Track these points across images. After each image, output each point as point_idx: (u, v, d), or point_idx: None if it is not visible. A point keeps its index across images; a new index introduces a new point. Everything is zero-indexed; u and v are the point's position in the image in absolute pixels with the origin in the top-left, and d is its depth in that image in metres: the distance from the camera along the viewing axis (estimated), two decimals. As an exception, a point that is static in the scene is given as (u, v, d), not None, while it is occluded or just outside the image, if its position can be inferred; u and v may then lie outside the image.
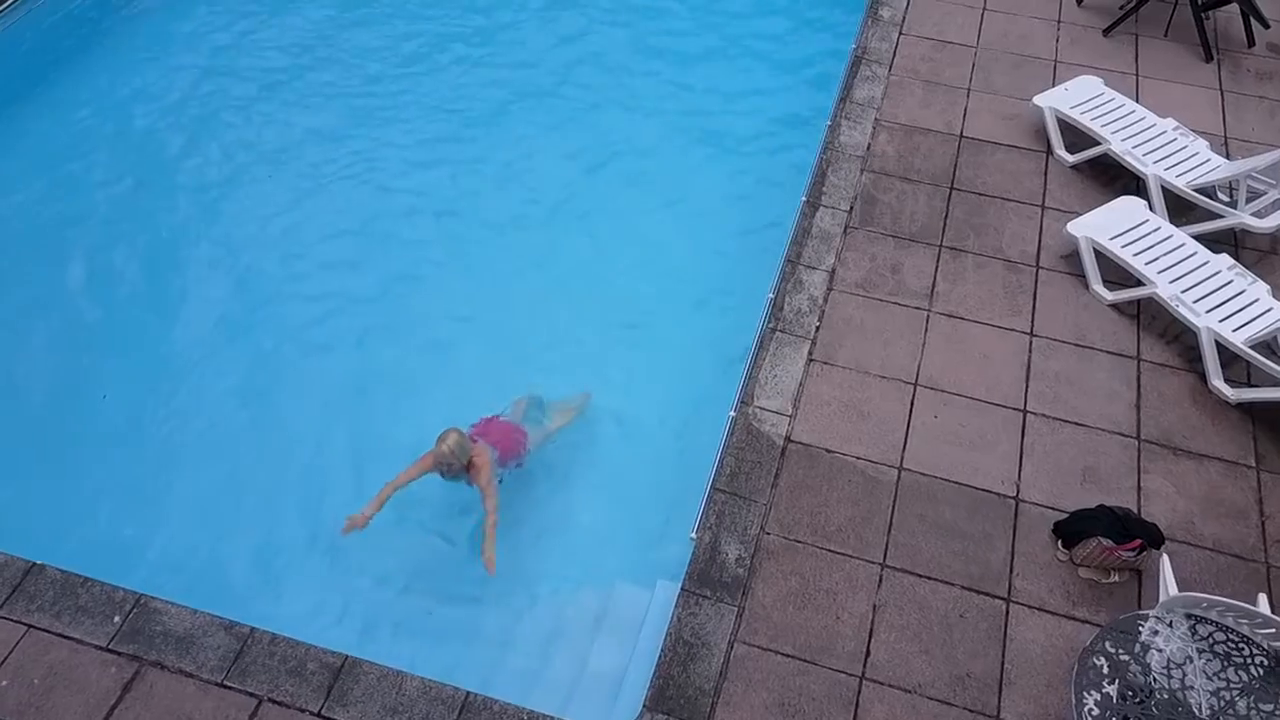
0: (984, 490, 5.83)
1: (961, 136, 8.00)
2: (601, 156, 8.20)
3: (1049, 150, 7.87)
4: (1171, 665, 4.31)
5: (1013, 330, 6.67)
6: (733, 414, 6.09)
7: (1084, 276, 6.92)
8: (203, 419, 6.39)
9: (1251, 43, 8.84)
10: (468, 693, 4.97)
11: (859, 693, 5.02)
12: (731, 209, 7.78)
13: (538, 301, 7.15)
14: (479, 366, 6.66)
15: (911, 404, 6.23)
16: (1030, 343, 6.60)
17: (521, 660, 5.37)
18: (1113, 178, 7.62)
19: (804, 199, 7.44)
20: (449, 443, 5.31)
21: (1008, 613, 5.33)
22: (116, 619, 5.13)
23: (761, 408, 6.16)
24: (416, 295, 7.16)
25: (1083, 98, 7.77)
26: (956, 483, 5.86)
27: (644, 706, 4.95)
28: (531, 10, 9.58)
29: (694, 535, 5.51)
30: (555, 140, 8.33)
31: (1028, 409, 6.25)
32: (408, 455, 5.54)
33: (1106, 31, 8.94)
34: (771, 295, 6.76)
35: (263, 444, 6.27)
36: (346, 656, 5.08)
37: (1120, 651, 4.33)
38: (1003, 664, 5.14)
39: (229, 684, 4.94)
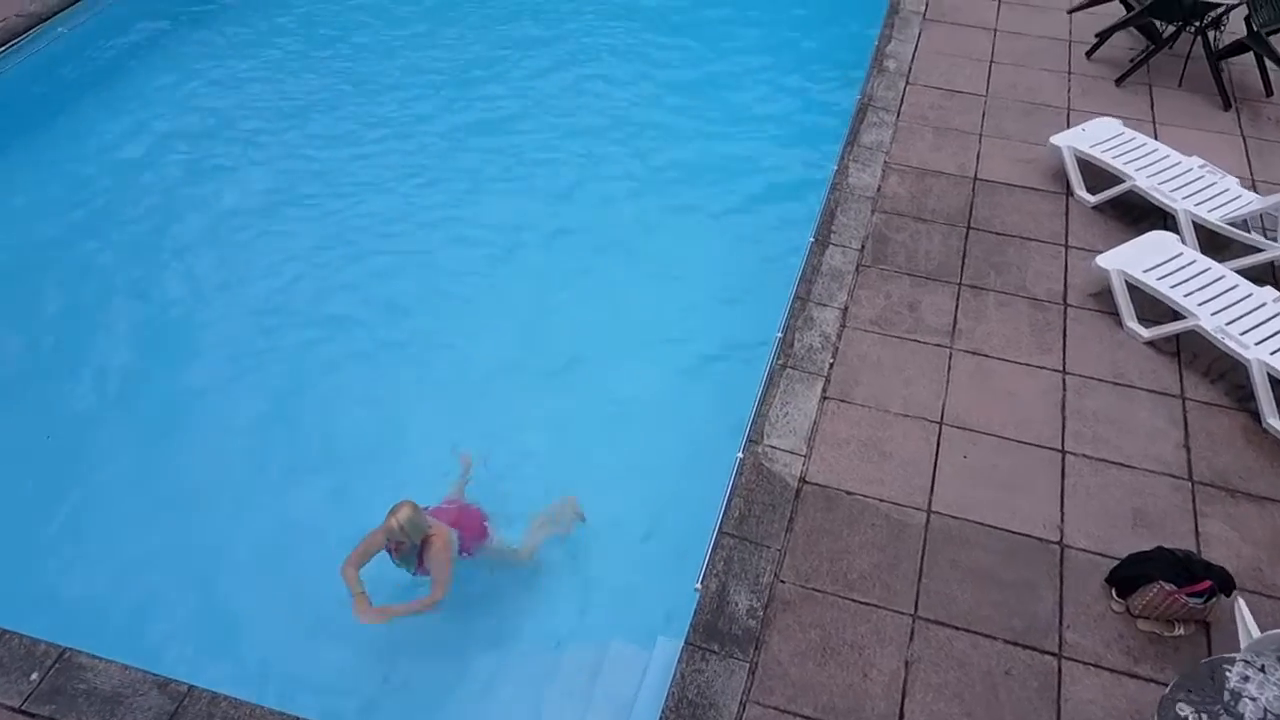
0: (1023, 534, 5.21)
1: (976, 179, 7.64)
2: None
3: (1068, 191, 7.49)
4: (1270, 716, 3.62)
5: (1043, 368, 6.14)
6: (740, 455, 5.50)
7: (1116, 314, 6.44)
8: (138, 455, 5.79)
9: (1270, 92, 8.57)
10: (436, 759, 4.25)
11: (892, 764, 4.29)
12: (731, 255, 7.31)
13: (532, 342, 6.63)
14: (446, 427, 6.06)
15: (938, 443, 5.65)
16: (1063, 380, 6.07)
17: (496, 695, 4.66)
18: (1137, 218, 7.22)
19: (812, 239, 7.02)
20: (400, 516, 4.56)
21: (1060, 670, 4.64)
22: (34, 676, 4.45)
23: (773, 446, 5.58)
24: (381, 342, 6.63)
25: (1102, 137, 7.43)
26: (992, 526, 5.24)
27: (647, 758, 4.23)
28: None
29: (699, 586, 4.87)
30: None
31: (1066, 449, 5.66)
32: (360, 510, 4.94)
33: (1119, 81, 8.69)
34: (780, 334, 6.25)
35: (205, 484, 5.65)
36: None
37: (1207, 700, 3.65)
38: (1058, 728, 4.43)
39: (157, 751, 4.23)
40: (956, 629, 4.79)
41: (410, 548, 4.67)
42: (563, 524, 5.44)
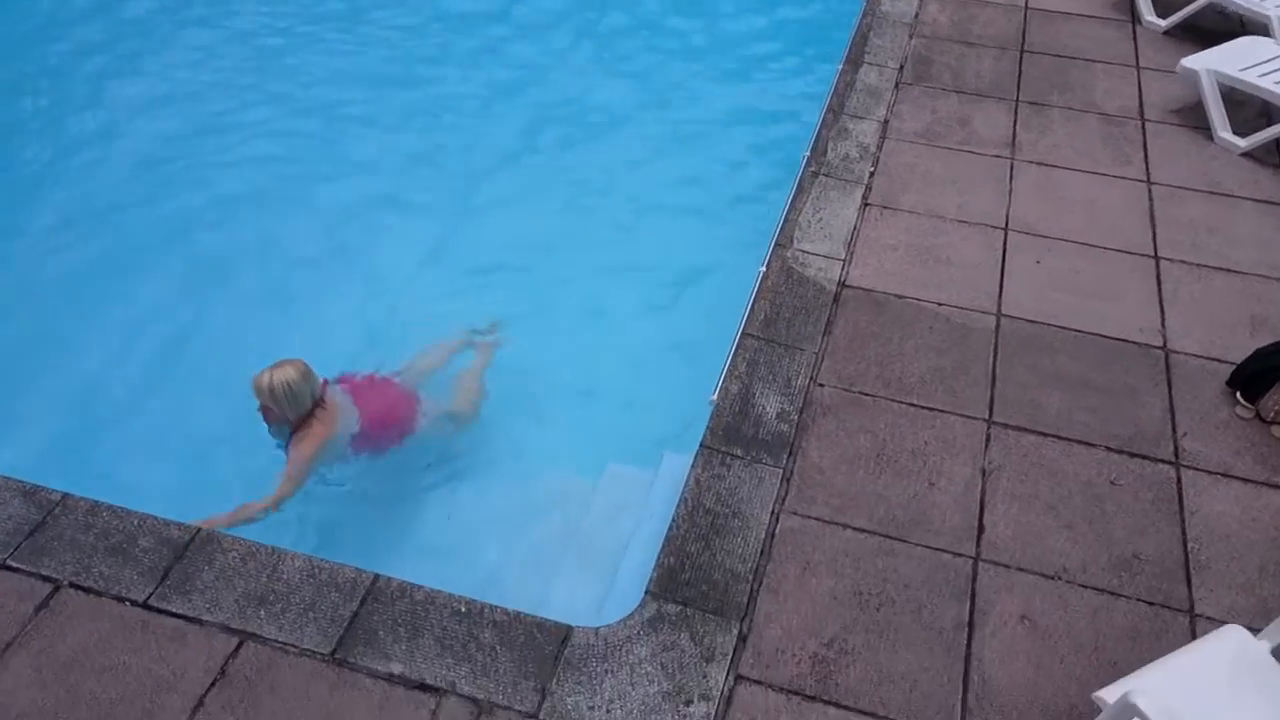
0: (1118, 339, 4.20)
1: (1027, 8, 6.66)
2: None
3: (1135, 19, 6.50)
4: None
5: (1124, 178, 5.15)
6: (765, 262, 4.50)
7: (1204, 127, 5.44)
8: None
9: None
10: (375, 576, 3.24)
11: (974, 579, 3.28)
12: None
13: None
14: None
15: (1004, 249, 4.66)
16: (1149, 190, 5.06)
17: (463, 544, 3.67)
18: (1216, 40, 6.19)
19: (841, 65, 6.02)
20: (278, 376, 3.58)
21: (1179, 480, 3.62)
22: None
23: (804, 251, 4.58)
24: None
25: (1174, -47, 6.43)
26: (1078, 331, 4.23)
27: (646, 593, 3.21)
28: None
29: (714, 398, 3.86)
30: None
31: (1160, 255, 4.66)
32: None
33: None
34: (807, 153, 5.25)
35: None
36: (199, 530, 3.37)
37: None
38: (1185, 543, 3.41)
39: (13, 564, 3.23)
40: (1044, 435, 3.78)
41: (284, 419, 3.66)
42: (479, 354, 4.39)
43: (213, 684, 2.95)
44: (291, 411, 3.64)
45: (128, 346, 4.43)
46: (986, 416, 3.85)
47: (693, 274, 4.94)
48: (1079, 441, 3.76)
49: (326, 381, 3.79)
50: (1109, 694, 2.46)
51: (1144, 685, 2.29)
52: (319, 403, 3.70)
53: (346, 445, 3.84)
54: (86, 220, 5.10)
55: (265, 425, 3.77)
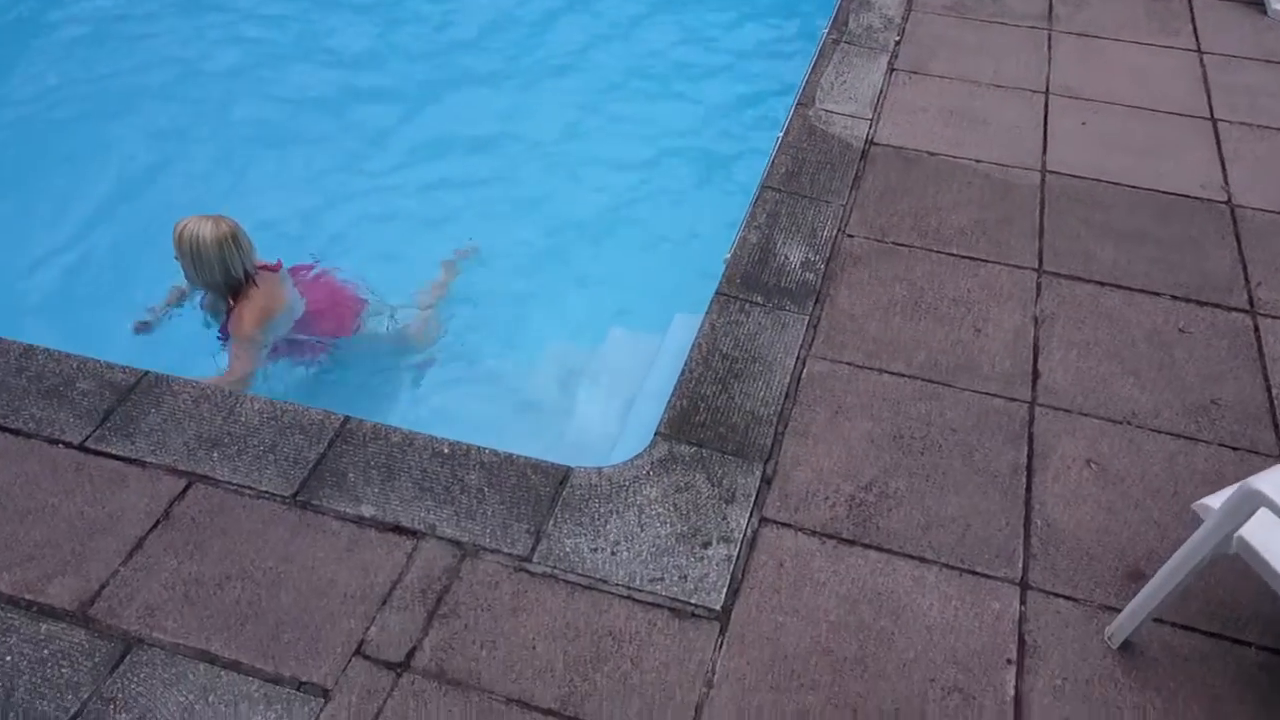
0: (1177, 194, 3.79)
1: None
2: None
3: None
4: None
5: (1172, 48, 4.73)
6: (786, 123, 4.09)
7: (1258, 1, 5.02)
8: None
9: None
10: (345, 418, 2.83)
11: (1032, 422, 2.86)
12: None
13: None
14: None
15: (1045, 111, 4.24)
16: (1200, 59, 4.65)
17: (447, 397, 3.24)
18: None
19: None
20: (196, 230, 3.08)
21: (1257, 328, 3.21)
22: None
23: (828, 110, 4.17)
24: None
25: None
26: (1132, 186, 3.82)
27: (656, 435, 2.80)
28: None
29: (728, 256, 3.44)
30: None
31: (1217, 118, 4.25)
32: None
33: None
34: (826, 24, 4.83)
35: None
36: (146, 373, 2.96)
37: None
38: (1268, 388, 3.00)
39: (-68, 406, 2.82)
40: (1101, 285, 3.36)
41: (220, 282, 3.18)
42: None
43: (154, 526, 2.54)
44: (199, 275, 3.15)
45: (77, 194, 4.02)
46: (1036, 266, 3.43)
47: (704, 145, 4.52)
48: (1141, 290, 3.35)
49: (270, 265, 3.33)
50: (1214, 500, 2.04)
51: (1266, 478, 1.87)
52: (249, 278, 3.22)
53: (285, 339, 3.37)
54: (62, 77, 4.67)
55: (202, 305, 3.32)
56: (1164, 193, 3.79)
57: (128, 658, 2.26)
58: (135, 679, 2.22)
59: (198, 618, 2.34)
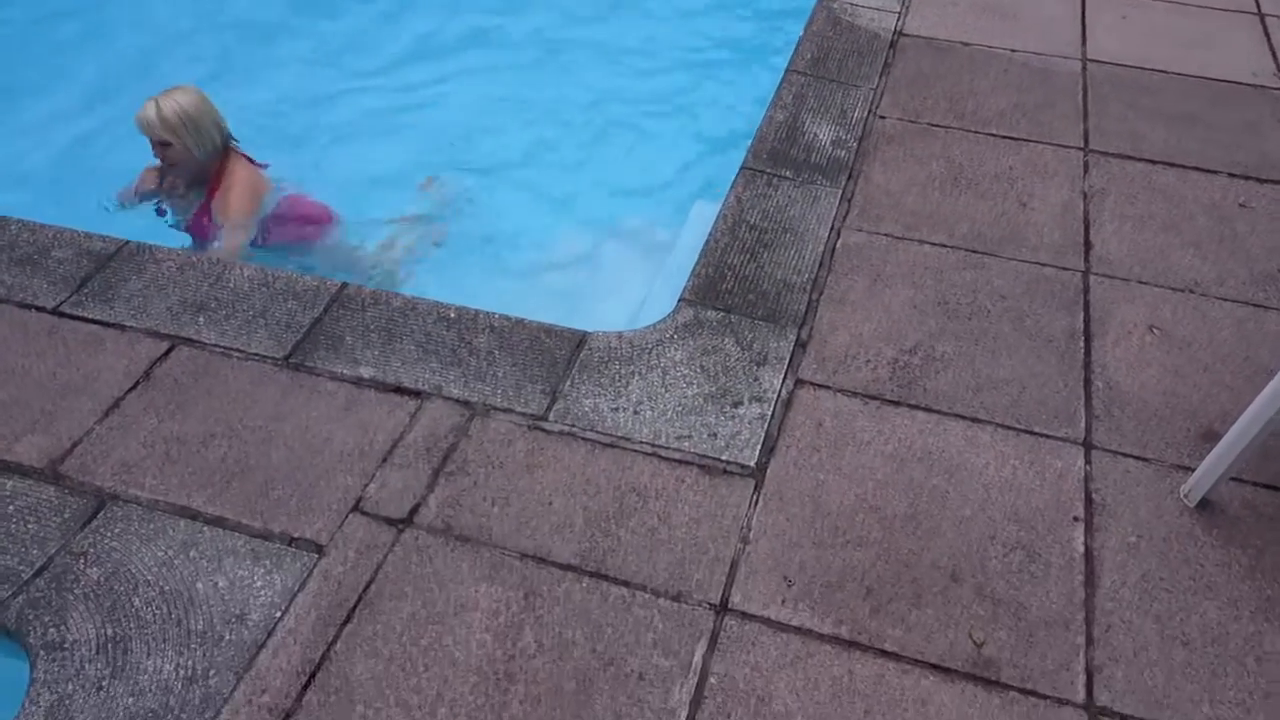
0: (1228, 81, 3.56)
1: None
2: None
3: None
4: None
5: (1212, -49, 4.48)
6: (805, 27, 3.86)
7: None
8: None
9: None
10: (343, 283, 2.61)
11: (1087, 290, 2.64)
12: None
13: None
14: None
15: (1083, 6, 4.01)
16: (1242, -39, 4.40)
17: (453, 269, 3.01)
18: None
19: None
20: (176, 100, 2.86)
21: (1322, 203, 2.97)
22: None
23: (853, 3, 3.94)
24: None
25: None
26: (1179, 74, 3.59)
27: (682, 300, 2.57)
28: None
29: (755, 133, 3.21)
30: None
31: (1265, 12, 4.01)
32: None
33: None
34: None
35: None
36: (127, 242, 2.74)
37: None
38: (1340, 260, 2.77)
39: (-104, 272, 2.60)
40: (1153, 163, 3.14)
41: (188, 164, 2.96)
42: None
43: (133, 387, 2.32)
44: (196, 145, 2.93)
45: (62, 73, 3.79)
46: (1082, 145, 3.21)
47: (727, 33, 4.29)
48: (1195, 168, 3.12)
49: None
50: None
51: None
52: (229, 144, 3.00)
53: (259, 226, 3.12)
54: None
55: (159, 200, 3.08)
56: (1213, 79, 3.57)
57: (101, 513, 2.04)
58: (109, 534, 2.00)
59: (179, 475, 2.12)
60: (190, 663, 1.79)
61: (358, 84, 3.97)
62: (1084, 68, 3.61)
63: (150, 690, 1.75)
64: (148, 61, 4.00)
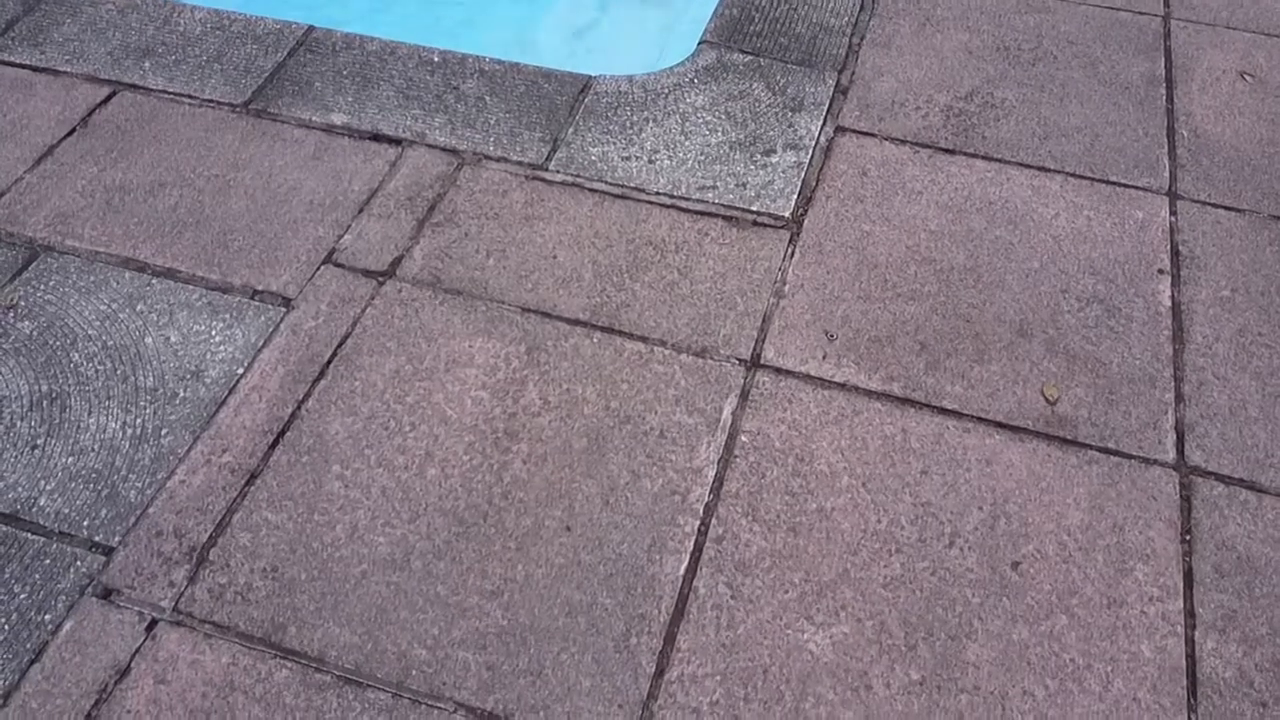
0: None
1: None
2: None
3: None
4: None
5: None
6: None
7: None
8: None
9: None
10: (310, 27, 2.25)
11: (1167, 36, 2.31)
12: None
13: None
14: None
15: None
16: None
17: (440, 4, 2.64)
18: None
19: None
20: None
21: None
22: None
23: None
24: None
25: None
26: None
27: (702, 43, 2.22)
28: None
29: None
30: None
31: None
32: None
33: None
34: None
35: None
36: (61, -17, 2.36)
37: None
38: None
39: None
40: (1241, -96, 2.70)
41: None
42: None
43: (69, 134, 2.00)
44: None
45: None
46: None
47: None
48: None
49: None
50: None
51: None
52: None
53: None
54: None
55: None
56: None
57: (33, 265, 1.76)
58: (42, 286, 1.72)
59: (123, 225, 1.83)
60: (139, 421, 1.54)
61: None
62: None
63: (92, 449, 1.50)
64: None
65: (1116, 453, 1.53)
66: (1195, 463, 1.52)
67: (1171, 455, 1.53)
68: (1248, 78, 2.20)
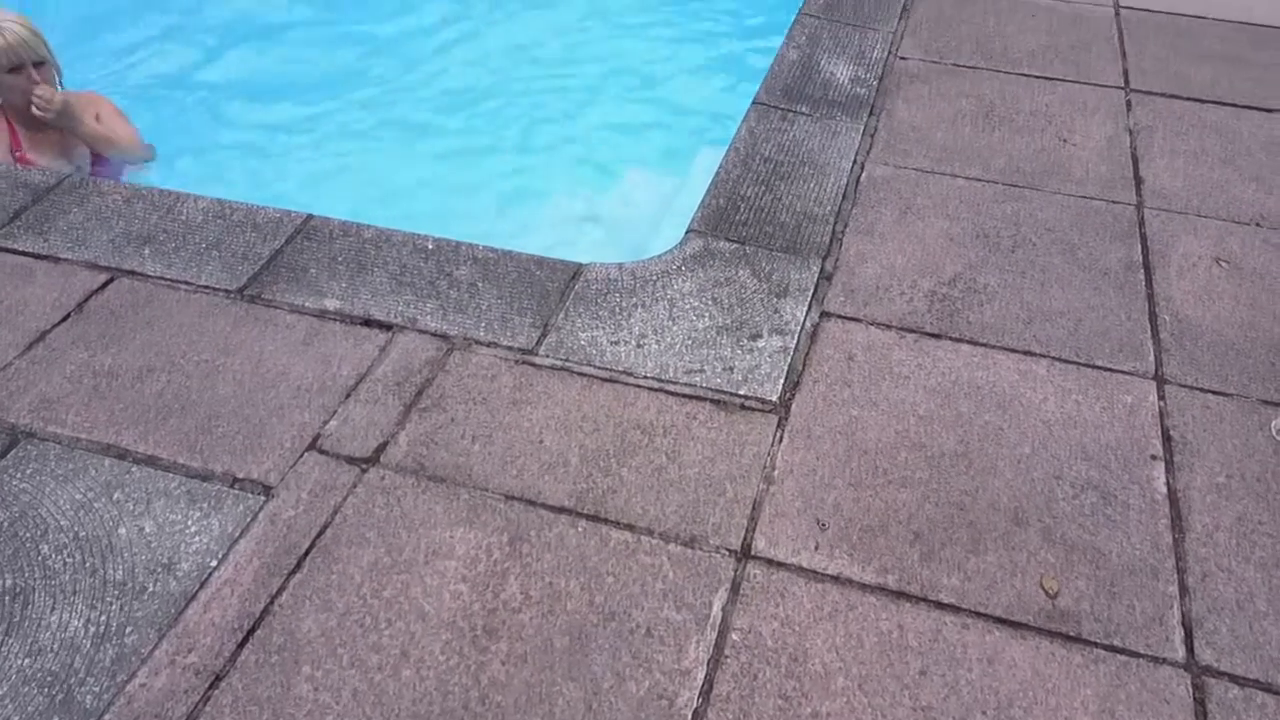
0: (1270, 26, 3.30)
1: None
2: None
3: None
4: None
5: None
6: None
7: None
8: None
9: None
10: (308, 215, 2.32)
11: (1142, 223, 2.36)
12: None
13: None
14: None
15: (1110, -43, 3.75)
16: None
17: (441, 186, 2.72)
18: None
19: None
20: (21, 16, 2.57)
21: (1391, 141, 2.70)
22: None
23: (865, -48, 3.68)
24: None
25: None
26: (1219, 19, 3.33)
27: (690, 231, 2.29)
28: None
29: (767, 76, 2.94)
30: None
31: (1303, -36, 3.76)
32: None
33: None
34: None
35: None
36: (67, 176, 2.45)
37: None
38: None
39: None
40: (1201, 101, 2.87)
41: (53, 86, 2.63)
42: None
43: (63, 319, 2.02)
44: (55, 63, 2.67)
45: None
46: (1122, 85, 2.95)
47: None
48: (1248, 106, 2.86)
49: None
50: None
51: None
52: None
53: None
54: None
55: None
56: (1258, 25, 3.32)
57: (11, 452, 1.74)
58: (18, 474, 1.70)
59: (107, 411, 1.82)
60: (103, 618, 1.48)
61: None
62: (1117, 12, 3.36)
63: (51, 649, 1.43)
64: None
65: (1123, 650, 1.47)
66: (1207, 662, 1.46)
67: (1181, 654, 1.47)
68: (1223, 264, 2.25)
